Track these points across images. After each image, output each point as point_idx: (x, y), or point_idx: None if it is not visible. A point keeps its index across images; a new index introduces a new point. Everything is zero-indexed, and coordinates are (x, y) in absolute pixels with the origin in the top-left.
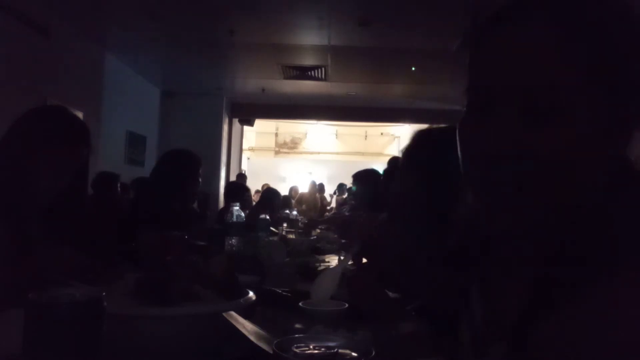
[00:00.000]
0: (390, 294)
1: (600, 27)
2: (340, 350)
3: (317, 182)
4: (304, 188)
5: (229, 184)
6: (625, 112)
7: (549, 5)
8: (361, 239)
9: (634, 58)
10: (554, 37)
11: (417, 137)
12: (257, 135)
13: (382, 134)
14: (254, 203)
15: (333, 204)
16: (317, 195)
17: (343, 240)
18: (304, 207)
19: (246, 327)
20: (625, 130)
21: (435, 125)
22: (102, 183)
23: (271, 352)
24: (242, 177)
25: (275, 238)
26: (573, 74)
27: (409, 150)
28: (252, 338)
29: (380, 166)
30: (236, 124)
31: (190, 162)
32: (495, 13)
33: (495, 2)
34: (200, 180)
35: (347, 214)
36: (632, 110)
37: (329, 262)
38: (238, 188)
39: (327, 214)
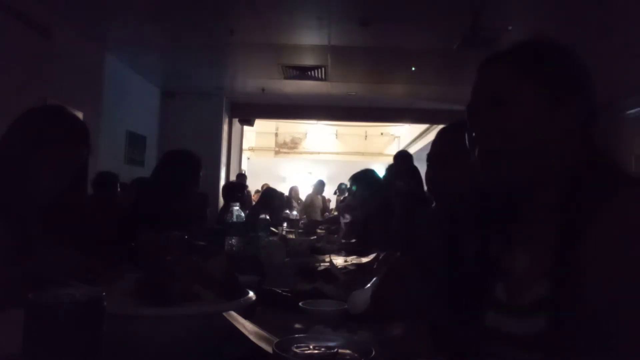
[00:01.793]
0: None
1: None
2: (340, 350)
3: (318, 180)
4: (303, 188)
5: (225, 184)
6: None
7: (510, 57)
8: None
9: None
10: (513, 72)
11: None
12: (257, 135)
13: (382, 134)
14: (253, 203)
15: (333, 205)
16: (319, 196)
17: (343, 240)
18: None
19: (246, 327)
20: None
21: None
22: (102, 183)
23: (271, 352)
24: (242, 177)
25: (275, 238)
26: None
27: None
28: (252, 338)
29: (380, 166)
30: (236, 124)
31: (191, 163)
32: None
33: (495, 2)
34: (200, 180)
35: (347, 217)
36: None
37: (328, 262)
38: (235, 188)
39: (327, 213)
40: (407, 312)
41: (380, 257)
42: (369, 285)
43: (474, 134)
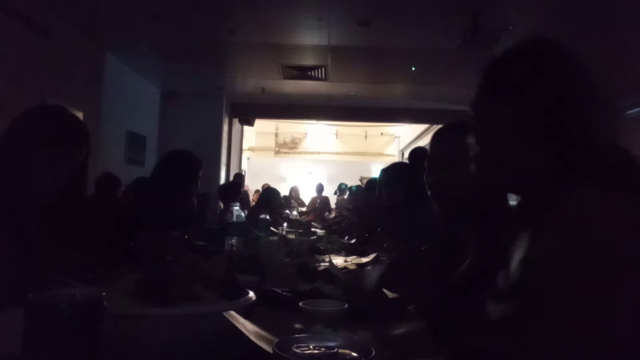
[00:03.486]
0: (389, 294)
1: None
2: (340, 350)
3: (317, 183)
4: (304, 188)
5: (221, 185)
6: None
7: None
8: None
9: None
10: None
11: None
12: (257, 135)
13: (382, 134)
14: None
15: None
16: (318, 199)
17: (343, 240)
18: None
19: (246, 327)
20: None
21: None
22: (105, 183)
23: (271, 352)
24: (239, 176)
25: (275, 238)
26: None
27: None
28: (252, 338)
29: (381, 166)
30: (236, 124)
31: (191, 163)
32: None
33: (495, 2)
34: (200, 180)
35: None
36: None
37: (328, 262)
38: (230, 188)
39: (326, 213)
40: (411, 295)
41: (384, 245)
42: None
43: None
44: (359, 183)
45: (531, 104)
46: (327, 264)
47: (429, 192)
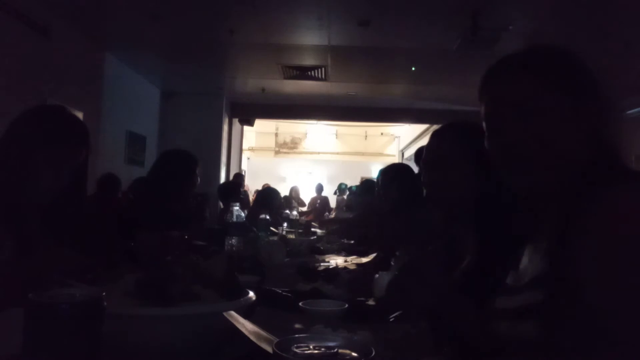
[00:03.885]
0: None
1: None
2: (340, 350)
3: (317, 183)
4: (304, 188)
5: (221, 184)
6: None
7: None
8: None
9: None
10: (534, 79)
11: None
12: (257, 135)
13: (382, 134)
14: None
15: (332, 204)
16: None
17: (343, 240)
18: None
19: (246, 327)
20: (586, 125)
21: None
22: (105, 184)
23: (271, 352)
24: (239, 176)
25: (275, 238)
26: (539, 97)
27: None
28: (252, 338)
29: (380, 166)
30: (236, 124)
31: (187, 162)
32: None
33: (495, 2)
34: (198, 179)
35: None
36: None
37: (328, 262)
38: (230, 188)
39: (326, 213)
40: (422, 302)
41: (397, 253)
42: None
43: (501, 143)
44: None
45: (564, 98)
46: (327, 263)
47: (425, 193)
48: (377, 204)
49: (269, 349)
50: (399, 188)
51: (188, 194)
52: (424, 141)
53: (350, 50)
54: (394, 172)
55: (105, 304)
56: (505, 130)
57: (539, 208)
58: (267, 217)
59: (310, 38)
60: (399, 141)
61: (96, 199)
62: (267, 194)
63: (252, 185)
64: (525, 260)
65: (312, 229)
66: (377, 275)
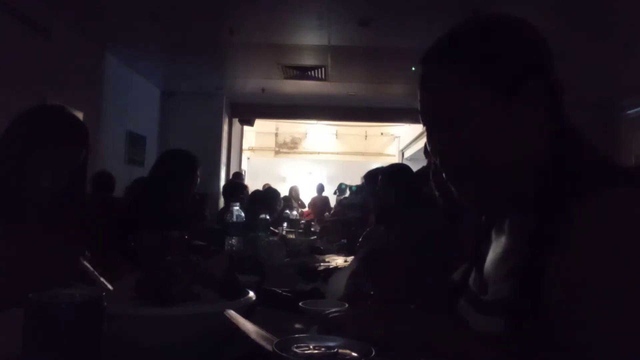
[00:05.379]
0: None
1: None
2: (340, 350)
3: (317, 183)
4: (304, 188)
5: (226, 184)
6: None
7: (450, 52)
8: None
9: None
10: (455, 73)
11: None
12: (257, 135)
13: (382, 134)
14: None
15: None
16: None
17: (344, 240)
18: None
19: (246, 327)
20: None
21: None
22: (100, 182)
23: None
24: (238, 175)
25: (275, 238)
26: (469, 95)
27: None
28: (252, 337)
29: (379, 166)
30: (236, 124)
31: (187, 162)
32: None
33: (495, 2)
34: (198, 179)
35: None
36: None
37: (328, 262)
38: (236, 187)
39: (327, 213)
40: (385, 294)
41: (364, 234)
42: (346, 268)
43: (433, 154)
44: (359, 183)
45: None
46: (327, 263)
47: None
48: (374, 204)
49: (269, 348)
50: (397, 188)
51: (188, 194)
52: (424, 141)
53: (350, 50)
54: (392, 173)
55: (105, 304)
56: (431, 135)
57: (504, 213)
58: (267, 217)
59: (310, 38)
60: (399, 141)
61: (91, 198)
62: (266, 194)
63: (252, 185)
64: (489, 268)
65: (312, 229)
66: (330, 278)
